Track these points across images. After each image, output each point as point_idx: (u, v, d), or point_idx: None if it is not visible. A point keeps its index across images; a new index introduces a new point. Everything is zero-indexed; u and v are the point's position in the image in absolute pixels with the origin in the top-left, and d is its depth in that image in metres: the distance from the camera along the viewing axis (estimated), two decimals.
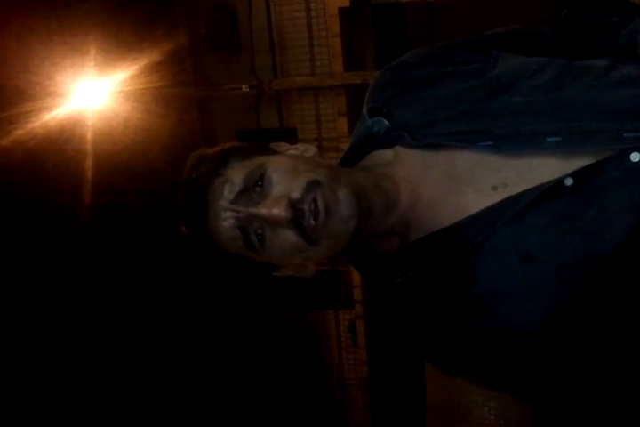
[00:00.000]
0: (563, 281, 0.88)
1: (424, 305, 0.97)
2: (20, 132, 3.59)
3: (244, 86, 4.71)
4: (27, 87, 3.73)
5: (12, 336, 3.88)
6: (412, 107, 1.02)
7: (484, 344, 0.95)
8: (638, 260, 0.87)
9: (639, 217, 0.86)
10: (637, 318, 0.89)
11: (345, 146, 1.08)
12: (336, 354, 5.84)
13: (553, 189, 0.88)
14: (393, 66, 1.09)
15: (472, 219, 0.92)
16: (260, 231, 0.93)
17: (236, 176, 0.94)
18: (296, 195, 0.90)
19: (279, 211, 0.89)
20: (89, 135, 4.02)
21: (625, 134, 0.88)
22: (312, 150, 1.04)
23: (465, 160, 0.94)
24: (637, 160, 0.87)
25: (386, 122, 1.00)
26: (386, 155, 1.02)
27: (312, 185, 0.90)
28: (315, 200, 0.89)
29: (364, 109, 1.04)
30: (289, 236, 0.91)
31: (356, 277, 4.95)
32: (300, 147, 1.04)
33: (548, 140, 0.90)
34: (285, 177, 0.92)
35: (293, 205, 0.89)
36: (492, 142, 0.92)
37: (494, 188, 0.92)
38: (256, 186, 0.93)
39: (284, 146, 1.03)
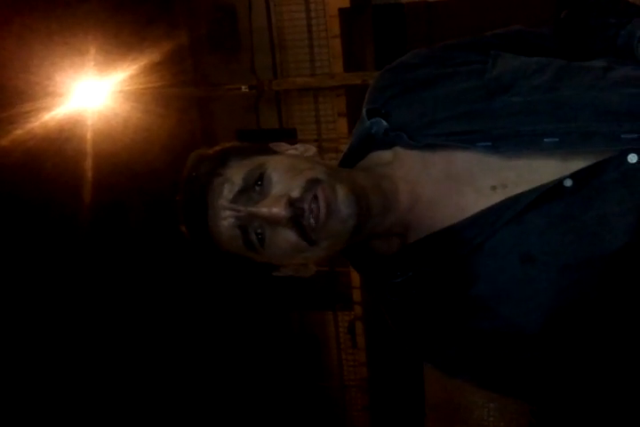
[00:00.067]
0: (562, 282, 0.88)
1: (424, 305, 0.97)
2: (19, 132, 3.59)
3: (243, 87, 4.71)
4: (26, 87, 3.73)
5: (12, 336, 3.88)
6: (411, 107, 1.02)
7: (484, 345, 0.95)
8: (638, 261, 0.87)
9: (639, 218, 0.86)
10: (637, 319, 0.89)
11: (345, 147, 1.08)
12: (335, 355, 5.84)
13: (553, 190, 0.88)
14: (393, 67, 1.09)
15: (472, 219, 0.92)
16: (259, 231, 0.93)
17: (235, 176, 0.94)
18: (296, 194, 0.90)
19: (279, 210, 0.89)
20: (89, 135, 4.02)
21: (623, 135, 0.88)
22: (312, 150, 1.04)
23: (464, 160, 0.94)
24: (635, 161, 0.87)
25: (384, 123, 1.00)
26: (385, 155, 1.02)
27: (312, 183, 0.90)
28: (315, 197, 0.89)
29: (363, 110, 1.04)
30: (288, 235, 0.91)
31: (356, 278, 4.94)
32: (300, 147, 1.04)
33: (545, 140, 0.90)
34: (285, 176, 0.92)
35: (293, 204, 0.89)
36: (489, 143, 0.92)
37: (494, 188, 0.92)
38: (256, 185, 0.93)
39: (283, 146, 1.03)
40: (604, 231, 0.87)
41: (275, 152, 1.01)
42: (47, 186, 3.84)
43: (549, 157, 0.90)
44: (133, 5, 4.47)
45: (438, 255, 0.94)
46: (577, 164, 0.89)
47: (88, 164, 3.95)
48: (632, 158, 0.87)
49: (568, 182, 0.88)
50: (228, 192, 0.93)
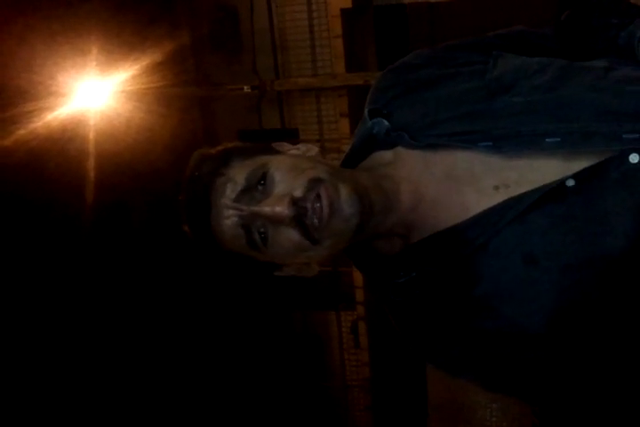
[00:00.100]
0: (565, 282, 0.88)
1: (427, 305, 0.97)
2: (22, 131, 3.59)
3: (245, 87, 4.71)
4: (29, 87, 3.73)
5: (14, 335, 3.89)
6: (413, 108, 1.02)
7: (488, 345, 0.95)
8: (639, 261, 0.87)
9: (639, 218, 0.86)
10: (639, 319, 0.89)
11: (347, 147, 1.09)
12: (338, 355, 5.84)
13: (555, 190, 0.88)
14: (395, 67, 1.09)
15: (475, 219, 0.92)
16: (262, 230, 0.93)
17: (238, 175, 0.94)
18: (298, 193, 0.90)
19: (282, 209, 0.89)
20: (91, 135, 4.03)
21: (624, 135, 0.88)
22: (314, 150, 1.04)
23: (466, 160, 0.94)
24: (636, 161, 0.87)
25: (386, 123, 1.00)
26: (387, 155, 1.02)
27: (314, 182, 0.90)
28: (318, 196, 0.89)
29: (366, 110, 1.04)
30: (291, 234, 0.91)
31: (358, 278, 4.94)
32: (302, 147, 1.04)
33: (547, 140, 0.90)
34: (288, 175, 0.93)
35: (296, 203, 0.89)
36: (490, 143, 0.92)
37: (496, 188, 0.92)
38: (258, 185, 0.93)
39: (285, 146, 1.04)
40: (605, 231, 0.87)
41: (277, 152, 1.01)
42: (50, 186, 3.85)
43: (551, 157, 0.90)
44: (135, 5, 4.47)
45: (441, 255, 0.94)
46: (578, 164, 0.89)
47: (90, 163, 3.96)
48: (633, 158, 0.87)
49: (570, 182, 0.88)
50: (230, 191, 0.93)
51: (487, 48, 1.05)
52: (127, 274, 4.54)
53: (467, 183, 0.94)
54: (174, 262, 4.21)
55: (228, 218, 0.93)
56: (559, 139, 0.90)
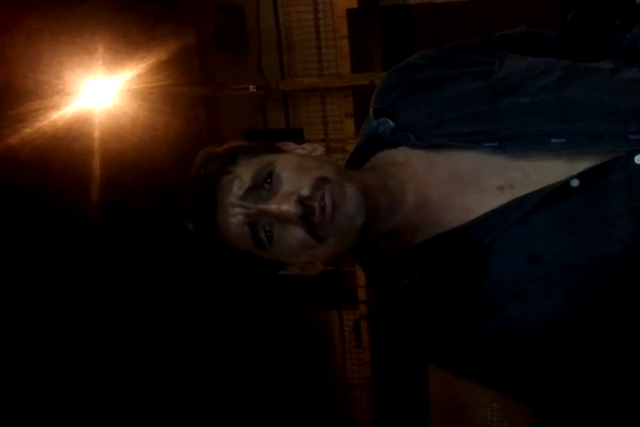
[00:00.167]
0: (568, 282, 0.89)
1: (431, 306, 0.97)
2: (28, 130, 3.60)
3: (251, 87, 4.71)
4: (35, 86, 3.74)
5: (16, 333, 3.89)
6: (418, 108, 1.02)
7: (491, 345, 0.95)
8: None
9: None
10: None
11: (351, 147, 1.09)
12: (340, 354, 5.83)
13: (559, 190, 0.88)
14: (400, 67, 1.09)
15: (479, 220, 0.93)
16: (268, 228, 0.93)
17: (244, 173, 0.94)
18: (305, 192, 0.90)
19: (289, 207, 0.89)
20: (96, 134, 4.03)
21: (630, 136, 0.88)
22: (319, 150, 1.04)
23: (470, 161, 0.95)
24: None
25: (391, 123, 1.00)
26: (392, 155, 1.02)
27: (320, 182, 0.91)
28: (324, 196, 0.89)
29: (371, 110, 1.04)
30: (297, 232, 0.91)
31: (361, 277, 4.94)
32: (308, 146, 1.04)
33: (552, 141, 0.90)
34: (294, 174, 0.93)
35: (303, 202, 0.90)
36: (496, 143, 0.93)
37: (500, 188, 0.93)
38: (265, 183, 0.94)
39: (291, 145, 1.04)
40: (609, 232, 0.87)
41: (282, 151, 1.02)
42: (55, 184, 3.85)
43: (556, 158, 0.91)
44: (140, 5, 4.48)
45: (446, 256, 0.94)
46: (584, 164, 0.89)
47: (96, 162, 3.96)
48: (639, 159, 0.87)
49: (575, 182, 0.88)
50: (237, 190, 0.93)
51: (492, 48, 1.05)
52: (131, 270, 4.55)
53: (471, 184, 0.94)
54: (178, 260, 4.21)
55: (235, 216, 0.93)
56: (565, 140, 0.90)
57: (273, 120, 5.38)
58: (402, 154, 1.01)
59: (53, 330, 4.16)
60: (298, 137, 5.29)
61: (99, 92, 4.23)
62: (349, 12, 4.60)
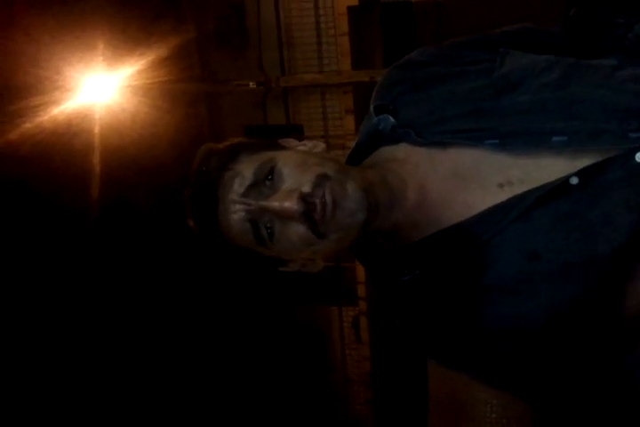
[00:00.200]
0: (567, 279, 0.89)
1: (430, 302, 0.97)
2: (28, 126, 3.60)
3: (251, 83, 4.71)
4: (35, 81, 3.74)
5: (15, 326, 3.90)
6: (419, 105, 1.02)
7: (489, 341, 0.95)
8: None
9: None
10: None
11: (351, 144, 1.09)
12: (339, 350, 5.84)
13: (559, 187, 0.88)
14: (401, 64, 1.09)
15: (479, 217, 0.93)
16: (269, 225, 0.93)
17: (246, 170, 0.94)
18: (306, 188, 0.90)
19: (290, 204, 0.89)
20: (96, 129, 4.03)
21: (630, 134, 0.88)
22: (320, 146, 1.05)
23: (471, 158, 0.95)
24: None
25: (392, 119, 1.00)
26: (392, 152, 1.02)
27: (322, 179, 0.91)
28: (324, 194, 0.89)
29: (371, 107, 1.04)
30: (298, 229, 0.91)
31: (361, 273, 4.95)
32: (309, 143, 1.04)
33: (554, 139, 0.90)
34: (295, 171, 0.93)
35: (304, 199, 0.90)
36: (497, 140, 0.93)
37: (500, 185, 0.93)
38: (266, 180, 0.94)
39: (292, 142, 1.04)
40: (608, 229, 0.87)
41: (284, 148, 1.02)
42: (55, 180, 3.85)
43: (557, 156, 0.91)
44: (140, 0, 4.47)
45: (445, 253, 0.95)
46: (585, 162, 0.89)
47: (96, 158, 3.96)
48: (639, 157, 0.88)
49: (574, 180, 0.88)
50: (238, 186, 0.94)
51: (494, 46, 1.05)
52: (131, 265, 4.55)
53: (472, 181, 0.94)
54: (178, 256, 4.21)
55: (236, 213, 0.93)
56: (566, 137, 0.90)
57: (273, 116, 5.37)
58: (402, 150, 1.01)
59: (52, 324, 4.16)
60: (298, 133, 5.28)
61: (99, 87, 4.23)
62: (350, 9, 4.59)
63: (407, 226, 0.99)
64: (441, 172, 0.97)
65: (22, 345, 3.95)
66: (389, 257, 1.02)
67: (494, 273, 0.92)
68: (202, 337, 5.20)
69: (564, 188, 0.88)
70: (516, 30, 1.12)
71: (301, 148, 1.03)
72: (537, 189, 0.90)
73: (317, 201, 0.89)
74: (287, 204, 0.90)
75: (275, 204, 0.91)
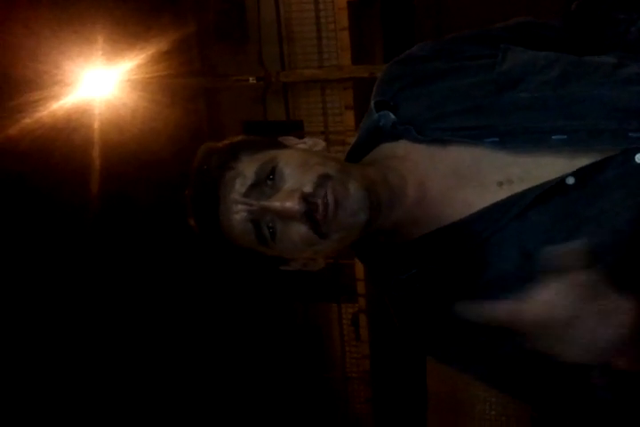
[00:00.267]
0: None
1: (428, 300, 0.97)
2: (27, 120, 3.60)
3: (251, 78, 4.71)
4: (34, 76, 3.73)
5: (15, 322, 3.90)
6: (419, 100, 1.01)
7: (487, 339, 0.95)
8: (637, 260, 0.87)
9: (639, 216, 0.86)
10: None
11: (351, 139, 1.08)
12: (339, 347, 5.86)
13: (557, 186, 0.88)
14: (401, 59, 1.08)
15: (478, 215, 0.92)
16: (271, 225, 0.92)
17: (247, 169, 0.94)
18: (308, 188, 0.90)
19: (292, 204, 0.89)
20: (96, 124, 4.03)
21: (630, 134, 0.88)
22: (320, 144, 1.04)
23: (471, 156, 0.94)
24: None
25: (392, 115, 1.00)
26: (392, 149, 1.01)
27: (323, 178, 0.90)
28: (326, 194, 0.89)
29: (372, 103, 1.04)
30: (300, 229, 0.91)
31: (360, 270, 4.95)
32: (309, 141, 1.04)
33: (553, 137, 0.90)
34: (297, 171, 0.92)
35: (306, 199, 0.89)
36: (497, 139, 0.92)
37: (500, 184, 0.92)
38: (267, 179, 0.93)
39: (292, 140, 1.03)
40: (605, 229, 0.87)
41: (284, 146, 1.01)
42: (55, 175, 3.86)
43: (557, 154, 0.90)
44: None
45: (445, 250, 0.94)
46: (584, 161, 0.88)
47: (95, 153, 3.96)
48: (639, 158, 0.87)
49: (570, 180, 0.88)
50: (240, 186, 0.93)
51: (494, 40, 1.04)
52: (131, 261, 4.55)
53: (472, 179, 0.94)
54: (177, 252, 4.21)
55: (238, 213, 0.93)
56: (566, 136, 0.89)
57: (273, 112, 5.37)
58: (402, 147, 1.00)
59: (52, 318, 4.17)
60: (298, 129, 5.28)
61: (98, 82, 4.22)
62: (350, 3, 4.59)
63: (407, 223, 0.98)
64: (441, 169, 0.96)
65: (21, 340, 3.96)
66: (388, 255, 1.01)
67: (494, 271, 0.92)
68: (201, 334, 5.22)
69: (562, 187, 0.88)
70: (517, 25, 1.12)
71: (302, 146, 1.02)
72: (537, 187, 0.89)
73: (319, 201, 0.89)
74: (289, 204, 0.89)
75: (276, 204, 0.90)
